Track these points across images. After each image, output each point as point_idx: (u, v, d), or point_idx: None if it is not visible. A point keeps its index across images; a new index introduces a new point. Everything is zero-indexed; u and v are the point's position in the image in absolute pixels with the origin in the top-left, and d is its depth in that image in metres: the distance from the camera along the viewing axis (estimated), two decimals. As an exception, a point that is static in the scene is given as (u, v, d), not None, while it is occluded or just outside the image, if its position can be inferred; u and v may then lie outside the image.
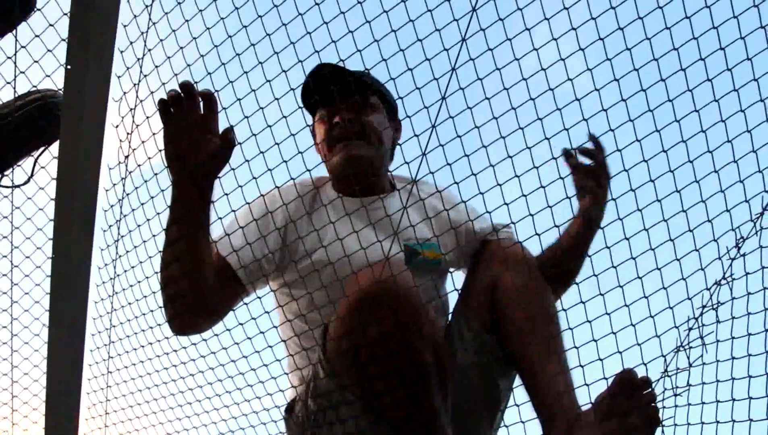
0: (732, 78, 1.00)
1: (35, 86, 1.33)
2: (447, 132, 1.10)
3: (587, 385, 1.15)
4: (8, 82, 1.27)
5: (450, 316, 1.44)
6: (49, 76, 1.28)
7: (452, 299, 1.47)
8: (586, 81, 1.06)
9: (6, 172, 1.40)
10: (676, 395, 1.16)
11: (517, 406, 1.26)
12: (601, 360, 1.12)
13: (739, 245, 1.12)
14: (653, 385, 1.14)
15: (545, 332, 1.28)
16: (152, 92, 1.24)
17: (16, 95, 1.32)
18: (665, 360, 1.15)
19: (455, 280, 1.51)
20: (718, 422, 1.12)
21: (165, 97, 1.20)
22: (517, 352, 1.29)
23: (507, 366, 1.34)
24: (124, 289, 1.43)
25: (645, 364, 1.12)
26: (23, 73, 1.26)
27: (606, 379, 1.14)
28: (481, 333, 1.34)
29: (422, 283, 1.27)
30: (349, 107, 1.44)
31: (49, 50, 1.26)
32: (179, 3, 1.19)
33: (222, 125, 1.22)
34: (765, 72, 0.99)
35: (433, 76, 1.08)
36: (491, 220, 1.33)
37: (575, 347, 1.15)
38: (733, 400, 1.10)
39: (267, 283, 1.43)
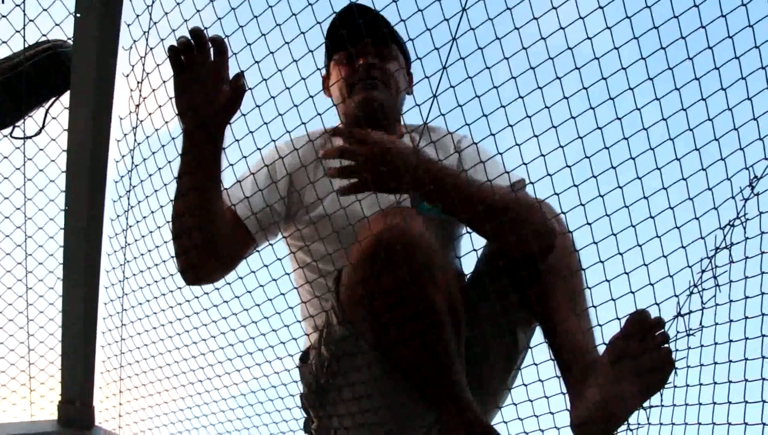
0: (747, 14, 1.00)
1: (45, 35, 1.33)
2: (458, 74, 1.10)
3: (600, 325, 1.16)
4: (17, 31, 1.27)
5: (477, 263, 1.42)
6: (58, 25, 1.28)
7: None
8: (598, 20, 1.05)
9: (17, 123, 1.40)
10: (689, 336, 1.17)
11: (530, 348, 1.26)
12: (614, 300, 1.13)
13: (753, 184, 1.11)
14: (666, 325, 1.14)
15: (570, 285, 1.27)
16: (162, 40, 1.23)
17: (26, 45, 1.32)
18: (678, 301, 1.16)
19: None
20: (730, 362, 1.13)
21: (175, 44, 1.19)
22: (543, 303, 1.28)
23: (529, 318, 1.34)
24: (136, 240, 1.44)
25: (658, 305, 1.12)
26: (32, 21, 1.26)
27: (619, 319, 1.14)
28: (506, 285, 1.33)
29: (433, 228, 1.26)
30: (372, 52, 1.43)
31: (57, -2, 1.26)
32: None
33: (232, 71, 1.21)
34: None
35: (443, 16, 1.08)
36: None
37: (588, 287, 1.15)
38: (746, 338, 1.10)
39: (278, 231, 1.43)
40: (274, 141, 1.26)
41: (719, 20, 1.00)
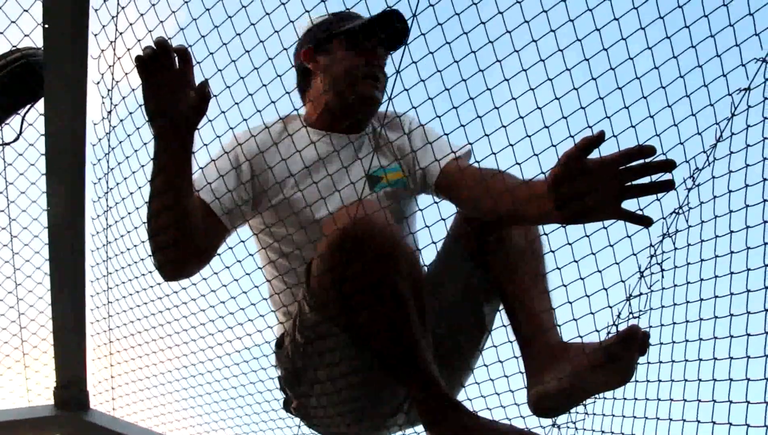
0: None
1: (15, 46, 1.37)
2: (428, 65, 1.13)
3: (552, 309, 1.23)
4: (-12, 44, 1.31)
5: (443, 246, 1.48)
6: (27, 35, 1.32)
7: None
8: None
9: (-5, 131, 1.44)
10: (638, 317, 1.24)
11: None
12: (565, 286, 1.19)
13: (694, 176, 1.17)
14: (617, 309, 1.22)
15: (534, 266, 1.33)
16: (129, 49, 1.28)
17: (-3, 55, 1.36)
18: (626, 286, 1.23)
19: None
20: (674, 343, 1.21)
21: (141, 54, 1.23)
22: (506, 282, 1.35)
23: (493, 294, 1.40)
24: (116, 239, 1.50)
25: (606, 290, 1.19)
26: (2, 33, 1.30)
27: (570, 303, 1.20)
28: (469, 262, 1.40)
29: (391, 207, 1.35)
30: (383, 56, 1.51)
31: (25, 10, 1.29)
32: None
33: (197, 79, 1.26)
34: None
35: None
36: (450, 145, 1.37)
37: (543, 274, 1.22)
38: (687, 321, 1.18)
39: (248, 218, 1.48)
40: (239, 143, 1.31)
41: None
